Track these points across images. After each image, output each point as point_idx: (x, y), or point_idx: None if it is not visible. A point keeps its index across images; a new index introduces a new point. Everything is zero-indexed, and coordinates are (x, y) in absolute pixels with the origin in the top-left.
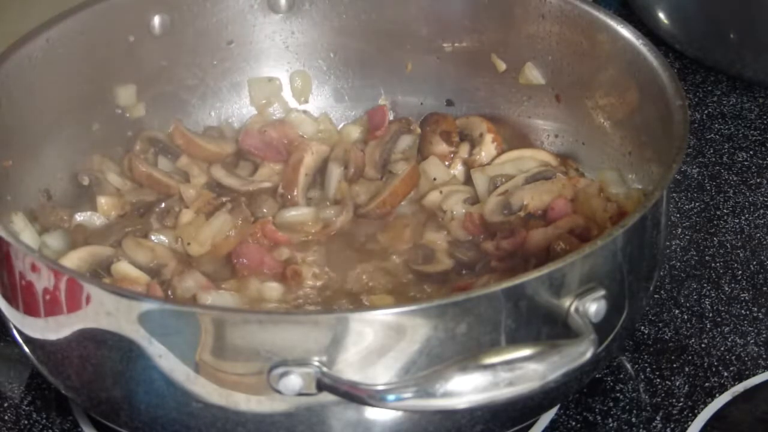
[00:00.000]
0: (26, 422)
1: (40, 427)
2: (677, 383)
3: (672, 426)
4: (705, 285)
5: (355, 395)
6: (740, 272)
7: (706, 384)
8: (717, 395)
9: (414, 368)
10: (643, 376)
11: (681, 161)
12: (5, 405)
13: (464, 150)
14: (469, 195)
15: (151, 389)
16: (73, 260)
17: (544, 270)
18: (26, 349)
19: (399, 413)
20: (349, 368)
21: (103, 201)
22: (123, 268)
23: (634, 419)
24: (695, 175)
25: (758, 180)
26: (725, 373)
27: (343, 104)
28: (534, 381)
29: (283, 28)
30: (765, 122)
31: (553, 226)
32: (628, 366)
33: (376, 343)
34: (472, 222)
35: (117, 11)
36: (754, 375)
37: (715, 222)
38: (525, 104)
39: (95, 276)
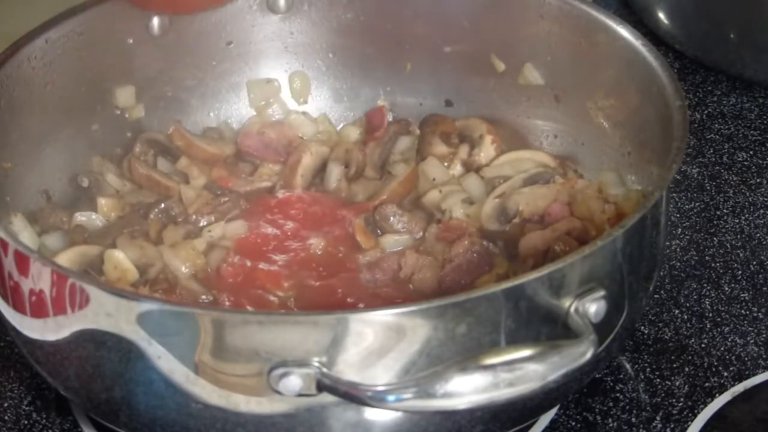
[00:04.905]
0: (26, 422)
1: (40, 427)
2: (677, 383)
3: (672, 426)
4: (705, 285)
5: (355, 396)
6: (740, 272)
7: (706, 384)
8: (717, 395)
9: (414, 369)
10: (643, 376)
11: (681, 161)
12: (5, 405)
13: (463, 151)
14: (467, 195)
15: (151, 390)
16: (63, 261)
17: (544, 270)
18: (25, 350)
19: (399, 414)
20: (349, 369)
21: (102, 202)
22: (116, 256)
23: (634, 419)
24: (695, 175)
25: (758, 180)
26: (725, 373)
27: (342, 105)
28: (534, 381)
29: (282, 29)
30: (765, 122)
31: (551, 228)
32: (628, 366)
33: (376, 343)
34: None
35: (116, 12)
36: (754, 375)
37: (715, 222)
38: (524, 105)
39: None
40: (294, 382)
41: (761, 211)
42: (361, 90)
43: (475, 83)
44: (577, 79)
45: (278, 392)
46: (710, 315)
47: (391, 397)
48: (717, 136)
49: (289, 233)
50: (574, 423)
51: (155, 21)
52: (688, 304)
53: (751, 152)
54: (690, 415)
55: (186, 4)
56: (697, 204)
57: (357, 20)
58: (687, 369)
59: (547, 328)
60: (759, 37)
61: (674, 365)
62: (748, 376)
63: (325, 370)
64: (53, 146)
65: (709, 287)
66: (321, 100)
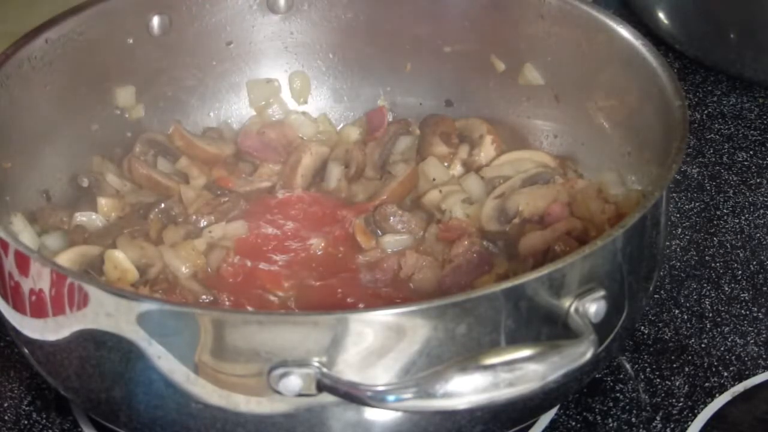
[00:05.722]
0: (26, 422)
1: (40, 427)
2: (677, 383)
3: (672, 426)
4: (705, 285)
5: (355, 396)
6: (740, 272)
7: (706, 384)
8: (717, 395)
9: (414, 369)
10: (643, 376)
11: (681, 161)
12: (5, 405)
13: (464, 151)
14: (467, 195)
15: (151, 390)
16: (63, 261)
17: (544, 270)
18: (25, 350)
19: (399, 414)
20: (349, 369)
21: (103, 202)
22: (116, 256)
23: (634, 419)
24: (695, 175)
25: (758, 180)
26: (725, 373)
27: (342, 105)
28: (534, 381)
29: (282, 29)
30: (765, 122)
31: (551, 229)
32: (628, 366)
33: (376, 343)
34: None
35: (116, 12)
36: (754, 375)
37: (715, 222)
38: (524, 105)
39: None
40: (294, 382)
41: (761, 211)
42: (361, 90)
43: (475, 83)
44: (577, 79)
45: (278, 392)
46: (710, 315)
47: (391, 397)
48: (717, 136)
49: (289, 233)
50: (574, 423)
51: (155, 21)
52: (688, 304)
53: (751, 152)
54: (690, 415)
55: None
56: (697, 204)
57: (357, 20)
58: (687, 369)
59: (547, 328)
60: (759, 37)
61: (674, 365)
62: (748, 376)
63: (325, 370)
64: (53, 146)
65: (709, 287)
66: (321, 100)
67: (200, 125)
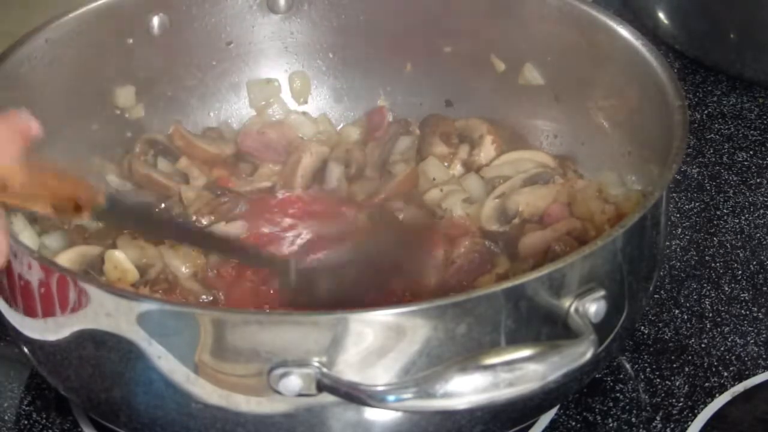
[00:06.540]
0: (26, 422)
1: (40, 427)
2: (677, 383)
3: (672, 426)
4: (705, 285)
5: (355, 396)
6: (740, 272)
7: (706, 384)
8: (717, 395)
9: (414, 369)
10: (643, 376)
11: (681, 161)
12: (5, 405)
13: (463, 151)
14: (468, 195)
15: (151, 390)
16: (63, 261)
17: (544, 270)
18: (25, 349)
19: (399, 414)
20: (349, 369)
21: None
22: (117, 256)
23: (634, 419)
24: (695, 175)
25: (758, 180)
26: (725, 373)
27: (342, 105)
28: (534, 381)
29: (282, 29)
30: (765, 122)
31: (551, 229)
32: (628, 366)
33: (376, 343)
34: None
35: (116, 12)
36: (754, 375)
37: (715, 222)
38: (524, 105)
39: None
40: (294, 382)
41: (761, 211)
42: (361, 90)
43: (475, 83)
44: (577, 79)
45: (278, 392)
46: (710, 315)
47: (391, 397)
48: (717, 136)
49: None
50: (574, 423)
51: (155, 21)
52: (688, 304)
53: (751, 152)
54: (690, 415)
55: None
56: (697, 204)
57: (357, 20)
58: (687, 369)
59: (547, 328)
60: (759, 37)
61: (674, 365)
62: (748, 376)
63: (325, 370)
64: (53, 146)
65: (709, 287)
66: (321, 100)
67: (200, 125)
